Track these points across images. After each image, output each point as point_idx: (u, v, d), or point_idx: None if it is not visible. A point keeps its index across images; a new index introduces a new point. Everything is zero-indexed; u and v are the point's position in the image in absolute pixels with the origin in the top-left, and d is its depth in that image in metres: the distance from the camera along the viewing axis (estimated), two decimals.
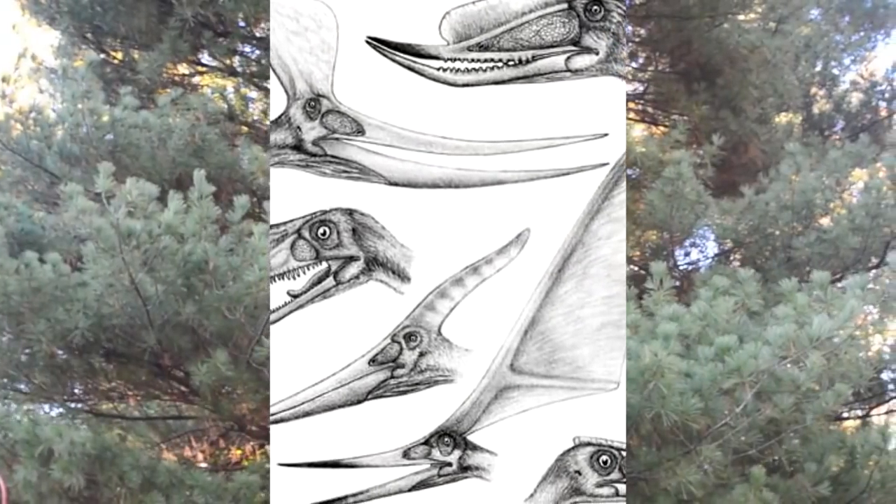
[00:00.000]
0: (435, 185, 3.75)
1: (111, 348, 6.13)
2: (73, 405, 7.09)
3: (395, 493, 3.77)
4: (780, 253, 7.69)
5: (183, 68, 8.63)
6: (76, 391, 7.06)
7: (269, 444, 7.37)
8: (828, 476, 5.48)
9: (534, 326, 3.70)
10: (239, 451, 8.10)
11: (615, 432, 3.70)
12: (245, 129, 8.60)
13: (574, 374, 3.70)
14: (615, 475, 3.71)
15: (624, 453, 3.73)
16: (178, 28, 7.88)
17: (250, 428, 6.93)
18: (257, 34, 8.61)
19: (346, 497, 3.77)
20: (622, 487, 3.74)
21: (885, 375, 8.27)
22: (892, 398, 8.84)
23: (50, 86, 8.50)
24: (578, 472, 3.71)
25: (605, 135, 3.67)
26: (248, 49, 8.78)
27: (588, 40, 3.73)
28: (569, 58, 3.73)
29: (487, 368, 3.73)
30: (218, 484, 5.72)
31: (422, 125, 3.76)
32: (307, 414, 3.74)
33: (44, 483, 5.16)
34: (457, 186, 3.75)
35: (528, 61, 3.73)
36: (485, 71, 3.74)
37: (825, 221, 7.72)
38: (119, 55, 8.64)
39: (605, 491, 3.72)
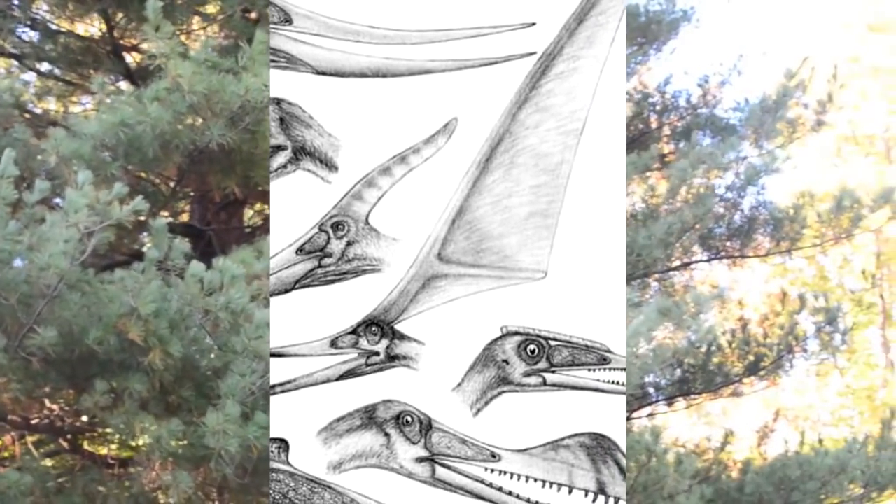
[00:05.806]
0: (363, 75, 3.72)
1: None
2: None
3: (323, 382, 3.66)
4: None
5: None
6: None
7: (29, 435, 7.01)
8: None
9: (461, 216, 3.70)
10: None
11: (543, 321, 3.74)
12: (17, 112, 8.08)
13: (501, 264, 3.72)
14: (542, 364, 3.73)
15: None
16: None
17: (12, 419, 6.54)
18: (33, 15, 8.17)
19: (273, 386, 3.63)
20: (560, 378, 3.75)
21: (648, 378, 8.70)
22: (653, 402, 9.31)
23: None
24: (506, 362, 3.72)
25: (533, 24, 3.75)
26: (21, 29, 8.30)
27: None
28: None
29: (415, 258, 3.70)
30: None
31: (349, 14, 3.73)
32: None
33: None
34: (384, 76, 3.72)
35: None
36: None
37: None
38: None
39: (533, 380, 3.73)
